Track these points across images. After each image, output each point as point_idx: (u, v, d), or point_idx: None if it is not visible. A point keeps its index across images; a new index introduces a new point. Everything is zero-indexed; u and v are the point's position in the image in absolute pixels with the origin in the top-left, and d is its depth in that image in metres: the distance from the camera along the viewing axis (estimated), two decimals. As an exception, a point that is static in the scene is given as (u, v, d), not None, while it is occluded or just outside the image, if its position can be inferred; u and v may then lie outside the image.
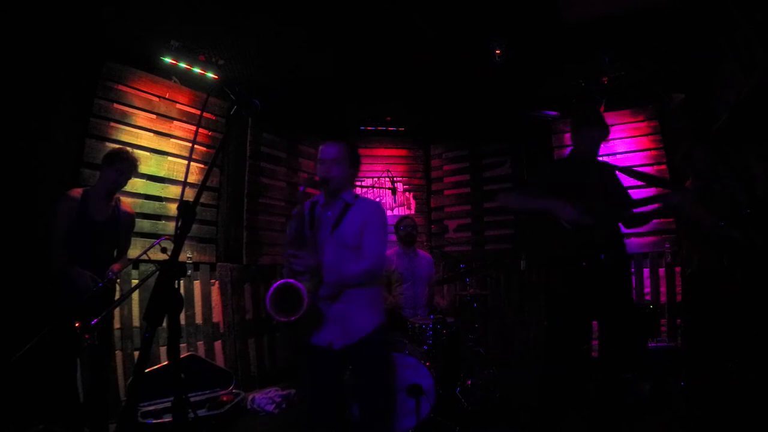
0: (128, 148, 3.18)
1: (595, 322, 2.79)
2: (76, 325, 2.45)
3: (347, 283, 2.09)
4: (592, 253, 2.51)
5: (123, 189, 3.62)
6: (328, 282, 2.04)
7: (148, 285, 3.66)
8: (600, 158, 2.79)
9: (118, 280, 3.12)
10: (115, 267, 2.88)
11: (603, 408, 2.54)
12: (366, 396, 2.17)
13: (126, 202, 3.15)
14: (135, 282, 3.64)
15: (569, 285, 2.57)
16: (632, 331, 2.57)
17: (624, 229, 2.71)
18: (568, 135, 4.99)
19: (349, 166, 2.22)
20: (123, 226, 3.02)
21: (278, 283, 1.94)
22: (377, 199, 5.64)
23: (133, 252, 3.26)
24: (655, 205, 2.57)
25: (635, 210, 2.69)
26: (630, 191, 2.77)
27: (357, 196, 2.29)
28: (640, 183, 2.65)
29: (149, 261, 3.16)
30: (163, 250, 3.02)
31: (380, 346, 2.24)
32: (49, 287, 2.77)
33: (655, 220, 4.45)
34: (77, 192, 2.87)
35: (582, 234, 2.50)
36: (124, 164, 2.93)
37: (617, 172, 2.78)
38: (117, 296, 3.07)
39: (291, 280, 1.92)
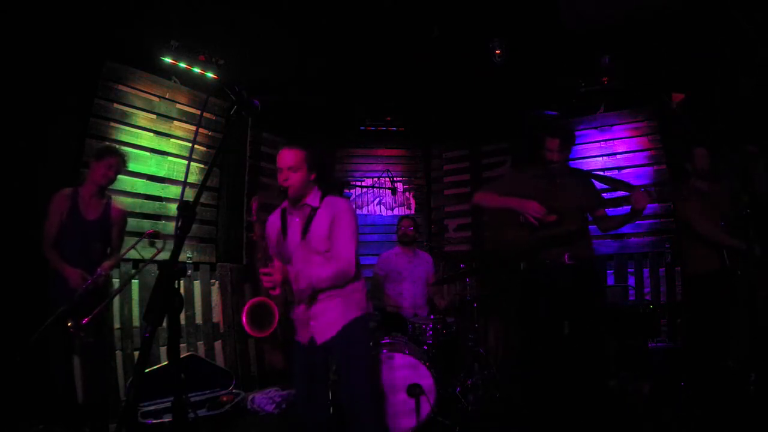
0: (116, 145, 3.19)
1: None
2: (68, 324, 2.46)
3: (319, 287, 2.11)
4: (555, 252, 2.60)
5: (124, 189, 3.66)
6: (298, 289, 2.06)
7: (149, 285, 3.68)
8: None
9: (114, 278, 3.12)
10: (106, 265, 2.86)
11: (595, 408, 2.57)
12: (349, 389, 2.18)
13: (118, 200, 3.14)
14: (135, 281, 3.66)
15: (535, 283, 2.65)
16: (597, 332, 2.63)
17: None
18: (568, 135, 4.99)
19: (309, 170, 2.18)
20: (115, 224, 3.01)
21: (252, 301, 2.03)
22: (377, 200, 5.64)
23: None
24: (625, 209, 2.63)
25: (609, 213, 2.75)
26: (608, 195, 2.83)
27: (324, 196, 2.25)
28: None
29: (152, 261, 3.16)
30: (152, 243, 3.02)
31: (361, 339, 2.26)
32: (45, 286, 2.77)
33: (654, 220, 4.48)
34: (68, 191, 2.86)
35: (545, 232, 2.56)
36: (113, 158, 2.92)
37: (592, 177, 2.86)
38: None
39: (263, 299, 2.00)
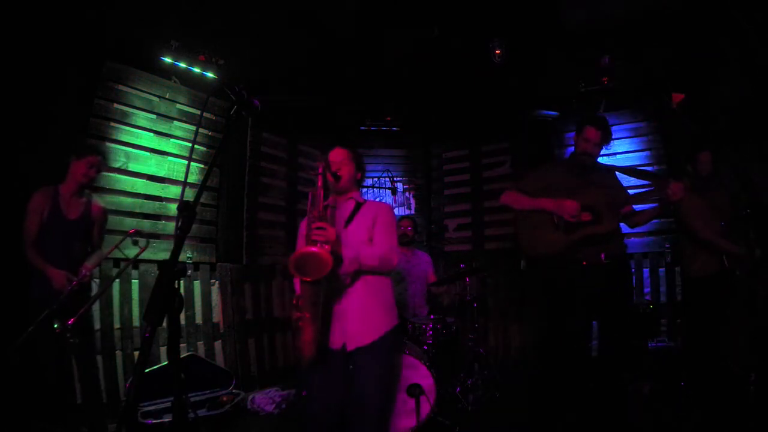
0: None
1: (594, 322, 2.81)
2: (55, 325, 2.45)
3: (363, 263, 2.11)
4: (592, 251, 2.54)
5: (124, 189, 3.66)
6: (347, 256, 2.07)
7: (149, 285, 3.68)
8: (600, 160, 2.82)
9: (96, 279, 3.10)
10: (87, 266, 2.81)
11: (602, 407, 2.55)
12: (367, 398, 2.13)
13: (98, 198, 3.08)
14: (135, 281, 3.66)
15: (571, 284, 2.58)
16: (629, 331, 2.60)
17: (627, 229, 2.73)
18: (568, 135, 4.98)
19: (357, 168, 2.38)
20: (96, 222, 2.97)
21: (303, 249, 1.97)
22: (377, 200, 5.64)
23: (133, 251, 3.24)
24: (653, 203, 2.60)
25: (636, 208, 2.71)
26: (634, 191, 2.79)
27: (365, 199, 2.39)
28: (645, 183, 2.70)
29: (151, 261, 3.15)
30: (134, 243, 3.00)
31: (391, 350, 2.26)
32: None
33: (654, 220, 4.48)
34: (48, 190, 2.82)
35: (582, 232, 2.51)
36: (94, 157, 2.87)
37: (617, 172, 2.81)
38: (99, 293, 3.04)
39: (316, 248, 1.94)
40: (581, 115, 2.88)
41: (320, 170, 2.18)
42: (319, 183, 2.16)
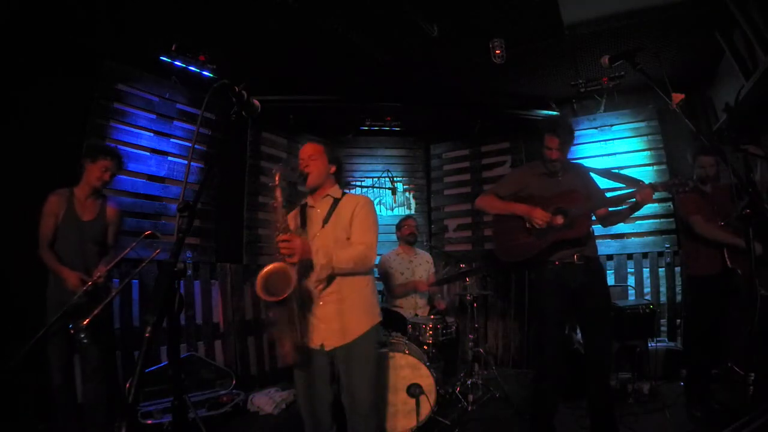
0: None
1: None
2: (69, 326, 2.45)
3: (337, 266, 2.07)
4: (564, 254, 2.60)
5: (124, 189, 3.66)
6: (318, 263, 2.04)
7: (149, 285, 3.68)
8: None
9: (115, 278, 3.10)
10: (102, 269, 2.78)
11: (594, 408, 2.59)
12: (354, 393, 2.17)
13: (113, 200, 3.07)
14: (135, 281, 3.66)
15: (546, 283, 2.64)
16: (610, 329, 2.65)
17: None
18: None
19: (327, 163, 2.29)
20: (111, 224, 2.96)
21: (268, 267, 1.96)
22: (377, 200, 5.64)
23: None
24: (626, 204, 2.63)
25: (610, 209, 2.75)
26: (611, 193, 2.83)
27: (344, 192, 2.33)
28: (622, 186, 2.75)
29: (151, 261, 3.14)
30: (149, 244, 2.99)
31: (371, 345, 2.24)
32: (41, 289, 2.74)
33: (654, 220, 4.48)
34: (63, 192, 2.82)
35: (554, 236, 2.57)
36: (108, 161, 2.85)
37: (591, 173, 2.86)
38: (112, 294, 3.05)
39: (280, 264, 1.93)
40: (542, 121, 2.92)
41: (276, 181, 2.14)
42: (277, 194, 2.13)
